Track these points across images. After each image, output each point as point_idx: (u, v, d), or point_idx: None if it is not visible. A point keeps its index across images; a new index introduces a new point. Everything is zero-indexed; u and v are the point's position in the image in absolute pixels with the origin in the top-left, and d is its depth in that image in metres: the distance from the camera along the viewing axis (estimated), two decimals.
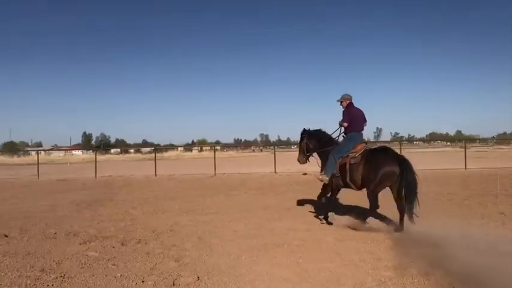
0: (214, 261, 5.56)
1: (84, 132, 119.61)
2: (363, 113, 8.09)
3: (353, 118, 7.87)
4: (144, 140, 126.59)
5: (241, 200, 11.61)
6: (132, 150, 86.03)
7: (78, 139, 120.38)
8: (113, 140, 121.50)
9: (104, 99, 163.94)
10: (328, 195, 8.15)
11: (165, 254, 5.96)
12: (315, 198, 8.58)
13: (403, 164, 7.07)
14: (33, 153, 58.83)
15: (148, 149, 75.62)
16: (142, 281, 4.77)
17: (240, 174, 21.07)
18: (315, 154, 8.35)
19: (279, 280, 4.75)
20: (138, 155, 68.52)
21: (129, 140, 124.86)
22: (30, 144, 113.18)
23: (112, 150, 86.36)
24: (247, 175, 20.27)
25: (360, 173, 7.38)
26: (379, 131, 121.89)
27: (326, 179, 7.79)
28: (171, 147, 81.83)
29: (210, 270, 5.16)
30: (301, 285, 4.59)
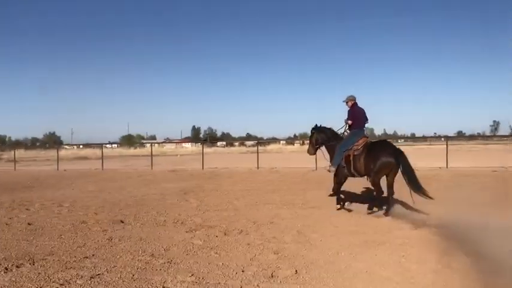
0: (313, 255, 5.54)
1: (194, 126, 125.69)
2: (364, 111, 9.11)
3: (356, 116, 8.98)
4: (247, 133, 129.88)
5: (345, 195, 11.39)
6: (236, 144, 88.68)
7: (188, 132, 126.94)
8: (219, 134, 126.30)
9: (212, 94, 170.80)
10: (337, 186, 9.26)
11: (264, 246, 6.06)
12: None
13: (399, 156, 8.17)
14: (148, 145, 63.28)
15: (251, 142, 77.36)
16: (243, 271, 4.90)
17: None
18: (323, 148, 9.47)
19: (379, 279, 4.58)
20: (242, 148, 70.49)
21: (234, 134, 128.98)
22: (145, 137, 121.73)
23: (218, 143, 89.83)
24: None
25: (362, 162, 8.49)
26: (496, 124, 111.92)
27: (333, 169, 9.03)
28: (274, 140, 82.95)
29: (309, 264, 5.14)
30: (403, 286, 4.39)
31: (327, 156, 9.34)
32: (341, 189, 9.47)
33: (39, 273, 4.95)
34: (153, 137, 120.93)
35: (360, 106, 9.13)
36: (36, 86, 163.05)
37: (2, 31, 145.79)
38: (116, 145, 72.23)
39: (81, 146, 62.67)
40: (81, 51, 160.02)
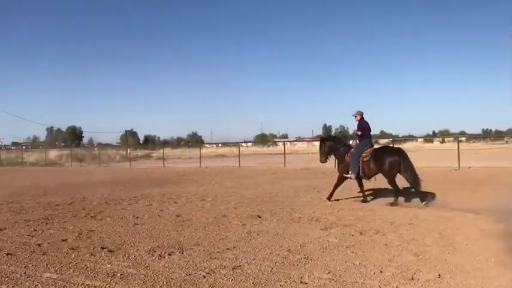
0: (458, 260, 5.17)
1: (325, 124, 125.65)
2: (369, 124, 10.54)
3: (364, 129, 10.44)
4: (381, 131, 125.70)
5: (488, 196, 10.43)
6: None
7: (319, 131, 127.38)
8: (351, 131, 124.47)
9: (342, 92, 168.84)
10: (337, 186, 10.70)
11: (403, 247, 5.84)
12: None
13: (402, 154, 9.90)
14: (280, 143, 64.85)
15: (386, 140, 74.65)
16: (381, 271, 4.78)
17: (487, 168, 18.94)
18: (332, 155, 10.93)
19: None
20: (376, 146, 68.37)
21: None
22: (277, 136, 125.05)
23: (351, 141, 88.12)
24: (496, 169, 18.08)
25: (371, 167, 9.99)
26: None
27: (354, 176, 10.30)
28: (410, 138, 78.95)
29: (453, 269, 4.82)
30: None
31: (336, 161, 10.93)
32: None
33: (187, 261, 5.40)
34: (285, 136, 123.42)
35: (366, 119, 10.60)
36: (181, 90, 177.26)
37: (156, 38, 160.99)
38: (250, 144, 75.33)
39: (219, 145, 66.70)
40: (218, 56, 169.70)
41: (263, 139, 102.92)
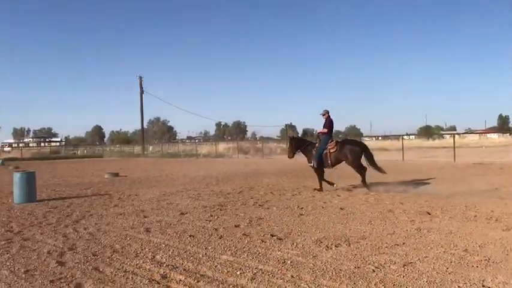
0: None
1: (500, 115, 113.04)
2: (333, 122, 12.15)
3: (330, 126, 12.09)
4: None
5: None
6: None
7: (493, 122, 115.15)
8: None
9: None
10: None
11: None
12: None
13: (363, 145, 12.49)
14: (448, 136, 60.20)
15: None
16: None
17: None
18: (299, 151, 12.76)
19: None
20: None
21: None
22: (444, 128, 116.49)
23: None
24: None
25: (338, 156, 11.76)
26: None
27: (315, 165, 11.88)
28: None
29: None
30: None
31: (304, 157, 12.79)
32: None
33: (355, 254, 5.35)
34: (453, 128, 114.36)
35: (331, 117, 12.20)
36: (339, 84, 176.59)
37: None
38: (413, 136, 71.45)
39: (379, 138, 64.67)
40: (378, 47, 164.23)
41: (427, 131, 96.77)
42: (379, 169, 11.72)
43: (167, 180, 17.09)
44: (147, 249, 5.85)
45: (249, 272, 4.71)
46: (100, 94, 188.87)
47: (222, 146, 47.85)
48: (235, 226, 7.30)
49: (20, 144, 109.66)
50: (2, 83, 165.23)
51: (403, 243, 5.81)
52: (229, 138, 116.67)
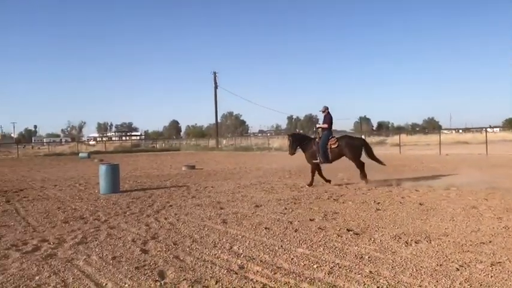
0: None
1: None
2: (332, 118, 12.42)
3: (329, 122, 12.34)
4: None
5: None
6: None
7: None
8: None
9: None
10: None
11: None
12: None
13: (363, 141, 13.16)
14: None
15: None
16: None
17: None
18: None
19: None
20: None
21: None
22: None
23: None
24: None
25: (338, 152, 12.11)
26: None
27: (323, 160, 12.17)
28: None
29: None
30: None
31: (303, 152, 12.76)
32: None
33: (436, 251, 5.14)
34: None
35: (330, 113, 12.37)
36: (415, 75, 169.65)
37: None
38: (497, 129, 66.99)
39: (460, 131, 61.39)
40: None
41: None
42: (379, 162, 12.15)
43: (241, 173, 17.39)
44: (224, 240, 6.00)
45: (326, 266, 4.69)
46: (176, 90, 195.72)
47: None
48: (310, 220, 7.28)
49: (104, 138, 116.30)
50: (87, 82, 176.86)
51: (490, 242, 5.49)
52: (301, 131, 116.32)
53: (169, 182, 14.38)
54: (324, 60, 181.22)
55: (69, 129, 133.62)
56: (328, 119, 12.34)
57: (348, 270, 4.50)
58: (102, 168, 11.82)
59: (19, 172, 20.93)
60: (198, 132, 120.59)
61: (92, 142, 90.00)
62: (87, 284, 4.32)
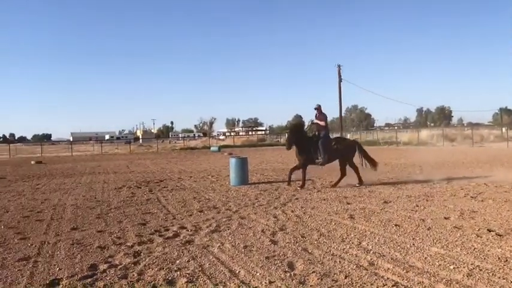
0: None
1: None
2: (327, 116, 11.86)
3: (325, 119, 11.71)
4: None
5: None
6: None
7: None
8: None
9: None
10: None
11: None
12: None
13: (357, 143, 12.28)
14: None
15: None
16: None
17: None
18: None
19: None
20: None
21: None
22: None
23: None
24: None
25: (334, 154, 11.38)
26: None
27: (325, 162, 11.39)
28: None
29: None
30: None
31: (296, 149, 11.58)
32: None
33: None
34: None
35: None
36: None
37: None
38: None
39: None
40: None
41: None
42: (372, 161, 11.72)
43: (366, 169, 16.93)
44: (352, 235, 5.91)
45: (464, 267, 4.37)
46: (299, 84, 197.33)
47: (424, 133, 45.19)
48: (445, 218, 6.84)
49: (232, 133, 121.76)
50: (218, 82, 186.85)
51: None
52: (432, 124, 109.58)
53: (294, 175, 14.57)
54: (455, 47, 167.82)
55: (201, 124, 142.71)
56: (324, 117, 11.70)
57: (490, 274, 4.14)
58: (232, 162, 12.43)
59: (159, 164, 22.93)
60: None
61: (221, 137, 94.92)
62: (222, 271, 4.58)
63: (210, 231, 6.48)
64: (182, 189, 11.63)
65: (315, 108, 11.78)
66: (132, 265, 4.88)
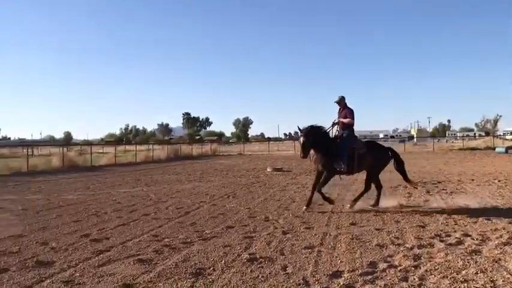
0: None
1: None
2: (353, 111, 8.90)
3: (352, 117, 8.80)
4: None
5: None
6: None
7: None
8: None
9: None
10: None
11: None
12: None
13: (393, 150, 9.25)
14: None
15: None
16: None
17: None
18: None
19: None
20: None
21: None
22: None
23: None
24: None
25: (363, 160, 8.61)
26: None
27: (344, 168, 8.38)
28: None
29: None
30: None
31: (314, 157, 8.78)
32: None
33: None
34: None
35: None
36: None
37: None
38: None
39: None
40: None
41: None
42: (408, 180, 9.27)
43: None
44: None
45: None
46: None
47: None
48: None
49: None
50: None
51: None
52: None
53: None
54: None
55: (483, 123, 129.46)
56: (351, 113, 8.79)
57: None
58: None
59: (436, 165, 21.71)
60: None
61: (508, 136, 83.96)
62: None
63: (500, 242, 5.71)
64: (463, 193, 10.69)
65: (336, 102, 9.01)
66: (413, 268, 4.70)
